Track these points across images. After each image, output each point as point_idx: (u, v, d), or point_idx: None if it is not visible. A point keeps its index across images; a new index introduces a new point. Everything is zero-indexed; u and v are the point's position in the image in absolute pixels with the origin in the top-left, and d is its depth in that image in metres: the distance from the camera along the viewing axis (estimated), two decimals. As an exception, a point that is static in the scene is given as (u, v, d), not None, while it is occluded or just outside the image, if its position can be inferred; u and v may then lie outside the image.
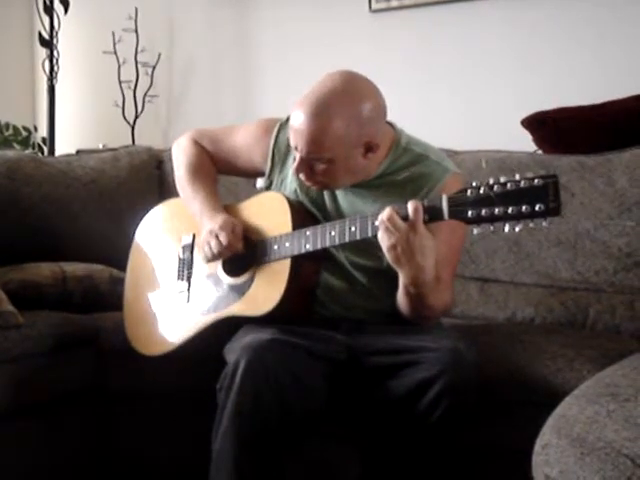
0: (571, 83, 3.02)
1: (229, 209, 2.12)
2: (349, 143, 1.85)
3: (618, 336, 2.29)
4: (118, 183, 2.99)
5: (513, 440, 1.89)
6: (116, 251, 2.52)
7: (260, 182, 2.33)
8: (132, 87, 4.22)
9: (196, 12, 4.16)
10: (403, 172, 1.96)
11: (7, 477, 2.20)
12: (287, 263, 1.93)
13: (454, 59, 3.35)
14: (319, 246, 1.88)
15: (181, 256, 2.19)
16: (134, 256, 2.36)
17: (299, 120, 1.85)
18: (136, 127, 4.23)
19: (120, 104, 4.23)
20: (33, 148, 4.38)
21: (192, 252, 2.17)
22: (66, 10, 4.22)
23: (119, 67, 4.21)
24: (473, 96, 3.29)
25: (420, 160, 1.97)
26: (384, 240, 1.72)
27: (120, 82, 4.22)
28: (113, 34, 4.17)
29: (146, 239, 2.35)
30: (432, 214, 1.69)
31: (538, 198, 1.54)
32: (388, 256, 1.73)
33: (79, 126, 4.59)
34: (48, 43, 4.23)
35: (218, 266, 2.07)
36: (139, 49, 4.17)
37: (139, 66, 4.19)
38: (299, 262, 1.93)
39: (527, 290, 2.48)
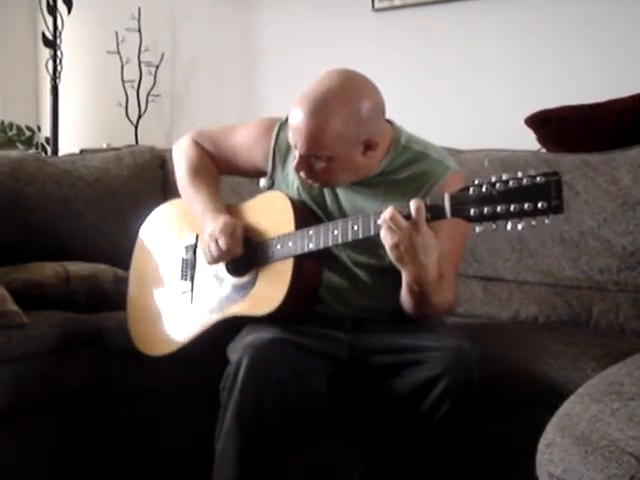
0: (575, 81, 3.02)
1: (232, 209, 2.12)
2: (348, 141, 1.85)
3: (622, 334, 2.29)
4: (121, 183, 2.99)
5: (517, 439, 1.89)
6: (120, 250, 2.52)
7: (263, 181, 2.33)
8: (135, 87, 4.23)
9: (199, 11, 4.17)
10: (404, 170, 1.96)
11: (10, 476, 2.21)
12: (290, 263, 1.93)
13: (457, 58, 3.34)
14: (322, 245, 1.88)
15: (184, 256, 2.19)
16: (137, 256, 2.36)
17: (298, 118, 1.85)
18: (139, 126, 4.23)
19: (123, 104, 4.24)
20: (36, 148, 4.39)
21: (195, 252, 2.17)
22: (69, 10, 4.22)
23: (122, 67, 4.22)
24: (476, 95, 3.29)
25: (421, 158, 1.96)
26: (387, 239, 1.71)
27: (123, 82, 4.22)
28: (116, 34, 4.17)
29: (149, 239, 2.35)
30: (434, 212, 1.69)
31: (540, 196, 1.54)
32: (391, 255, 1.73)
33: (82, 126, 4.60)
34: (51, 43, 4.24)
35: (221, 266, 2.07)
36: (142, 49, 4.18)
37: (142, 66, 4.20)
38: (302, 261, 1.93)
39: (531, 289, 2.48)
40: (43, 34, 4.26)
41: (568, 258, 2.42)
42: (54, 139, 4.24)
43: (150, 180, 3.06)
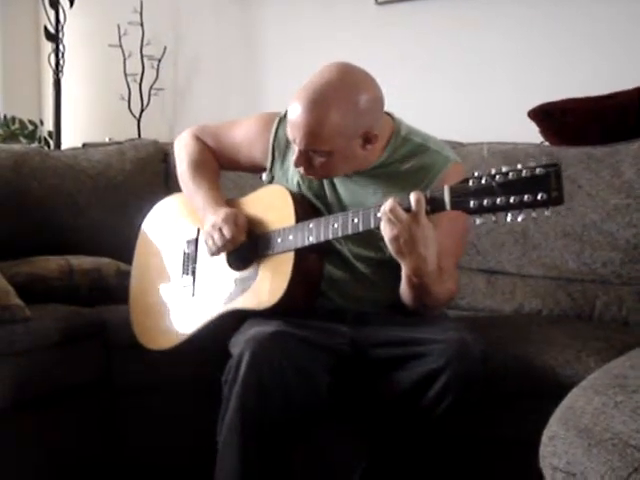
0: (578, 74, 3.01)
1: (232, 203, 2.12)
2: (347, 135, 1.84)
3: (625, 327, 2.29)
4: (124, 176, 2.99)
5: (520, 431, 1.89)
6: (123, 244, 2.52)
7: (265, 176, 2.33)
8: (138, 80, 4.22)
9: (201, 5, 4.16)
10: (404, 162, 1.96)
11: (13, 469, 2.21)
12: (291, 256, 1.93)
13: (460, 51, 3.33)
14: (322, 239, 1.88)
15: (186, 250, 2.19)
16: (140, 250, 2.36)
17: (296, 113, 1.85)
18: (142, 120, 4.23)
19: (126, 97, 4.23)
20: (39, 142, 4.38)
21: (197, 246, 2.17)
22: (71, 4, 4.22)
23: (125, 60, 4.22)
24: (479, 88, 3.28)
25: (421, 150, 1.97)
26: (386, 231, 1.71)
27: (126, 75, 4.22)
28: (118, 27, 4.17)
29: (152, 233, 2.35)
30: (434, 205, 1.69)
31: (540, 187, 1.53)
32: (390, 247, 1.73)
33: (85, 119, 4.60)
34: (54, 37, 4.23)
35: (223, 260, 2.07)
36: (145, 42, 4.17)
37: (145, 59, 4.19)
38: (303, 255, 1.93)
39: (534, 282, 2.48)
40: (45, 28, 4.26)
41: (571, 251, 2.41)
42: (57, 133, 4.24)
43: (153, 174, 3.06)
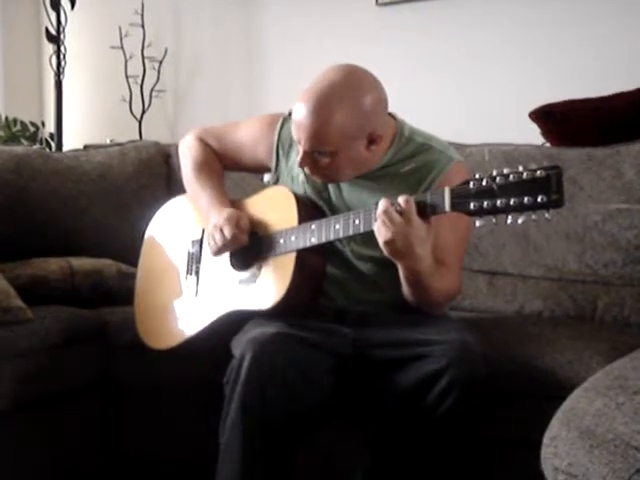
0: (578, 75, 3.02)
1: (236, 204, 2.12)
2: (351, 136, 1.85)
3: (627, 328, 2.29)
4: (126, 178, 2.99)
5: (522, 433, 1.89)
6: (124, 246, 2.52)
7: (267, 176, 2.33)
8: (139, 82, 4.23)
9: (202, 6, 4.17)
10: (407, 162, 1.96)
11: (15, 470, 2.21)
12: (292, 257, 1.93)
13: (461, 52, 3.34)
14: (324, 239, 1.88)
15: (190, 250, 2.20)
16: (145, 252, 2.36)
17: (301, 114, 1.86)
18: (143, 122, 4.24)
19: (127, 99, 4.24)
20: (41, 143, 4.39)
21: (201, 247, 2.17)
22: (73, 5, 4.22)
23: (126, 62, 4.22)
24: (480, 89, 3.29)
25: (424, 150, 1.97)
26: (381, 234, 1.72)
27: (127, 77, 4.23)
28: (120, 29, 4.17)
29: (157, 234, 2.36)
30: (434, 207, 1.69)
31: (540, 189, 1.53)
32: (385, 249, 1.74)
33: (86, 121, 4.60)
34: (55, 39, 4.24)
35: (226, 260, 2.08)
36: (146, 44, 4.18)
37: (146, 61, 4.20)
38: (304, 256, 1.93)
39: (535, 283, 2.48)
40: (47, 29, 4.26)
41: (573, 252, 2.41)
42: (58, 135, 4.24)
43: (154, 175, 3.06)
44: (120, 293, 2.53)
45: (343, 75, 1.86)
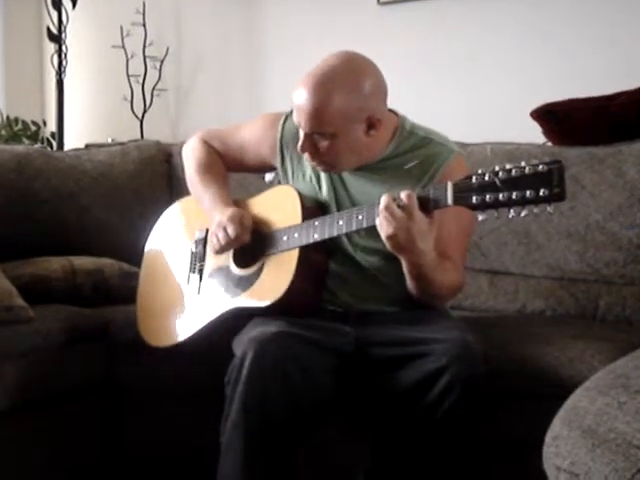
0: (580, 74, 3.01)
1: (241, 203, 2.14)
2: (350, 117, 1.87)
3: (629, 327, 2.29)
4: (127, 177, 2.99)
5: (523, 432, 1.89)
6: (125, 245, 2.52)
7: (269, 176, 2.33)
8: (140, 81, 4.22)
9: (204, 5, 4.17)
10: (409, 155, 1.98)
11: (16, 470, 2.21)
12: (295, 253, 1.93)
13: (462, 51, 3.33)
14: (327, 235, 1.89)
15: (194, 250, 2.20)
16: (149, 252, 2.37)
17: (301, 96, 1.88)
18: (145, 121, 4.23)
19: (128, 98, 4.24)
20: (42, 142, 4.39)
21: (205, 246, 2.18)
22: (74, 5, 4.22)
23: (127, 61, 4.22)
24: (482, 88, 3.28)
25: (425, 143, 2.00)
26: (383, 229, 1.74)
27: (128, 76, 4.22)
28: (121, 28, 4.17)
29: (162, 234, 2.36)
30: (437, 201, 1.70)
31: (542, 183, 1.54)
32: (388, 244, 1.75)
33: (88, 120, 4.60)
34: (57, 38, 4.24)
35: (229, 258, 2.08)
36: (147, 43, 4.17)
37: (147, 60, 4.20)
38: (307, 252, 1.93)
39: (537, 282, 2.48)
40: (48, 29, 4.26)
41: (574, 251, 2.41)
42: (59, 134, 4.24)
43: (155, 175, 3.07)
44: (121, 292, 2.53)
45: (342, 60, 1.90)
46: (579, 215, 2.40)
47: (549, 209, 1.56)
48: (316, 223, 1.91)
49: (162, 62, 4.20)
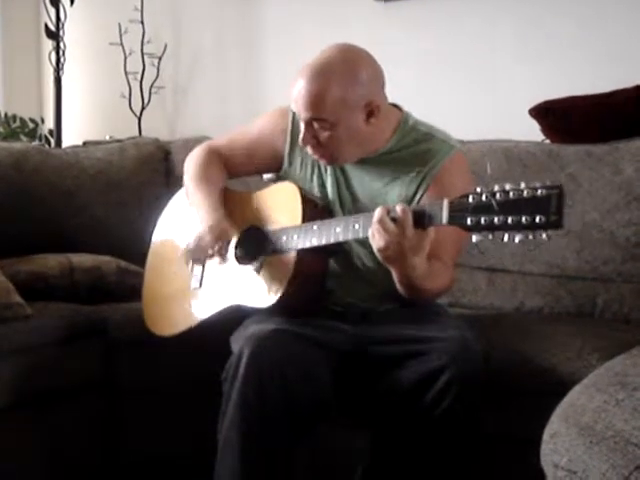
0: (578, 72, 3.01)
1: (244, 198, 2.12)
2: (349, 105, 1.87)
3: (627, 325, 2.29)
4: (125, 174, 2.99)
5: (521, 429, 1.89)
6: (123, 242, 2.52)
7: (267, 175, 2.33)
8: (138, 78, 4.22)
9: (201, 3, 4.16)
10: (410, 149, 1.99)
11: (14, 468, 2.21)
12: (293, 256, 1.93)
13: (462, 49, 3.33)
14: (324, 242, 1.88)
15: None
16: (156, 241, 2.36)
17: (299, 85, 1.89)
18: (143, 118, 4.23)
19: (126, 95, 4.23)
20: (40, 140, 4.39)
21: None
22: (72, 2, 4.22)
23: (125, 58, 4.21)
24: (481, 85, 3.28)
25: (427, 138, 2.00)
26: (375, 242, 1.71)
27: (126, 73, 4.22)
28: (119, 25, 4.17)
29: (168, 225, 2.35)
30: (431, 218, 1.67)
31: (539, 209, 1.49)
32: (378, 256, 1.74)
33: (86, 117, 4.60)
34: (54, 35, 4.24)
35: (231, 253, 2.08)
36: (145, 40, 4.17)
37: (145, 57, 4.19)
38: (305, 255, 1.93)
39: (535, 280, 2.48)
40: (46, 26, 4.26)
41: (572, 249, 2.41)
42: (57, 131, 4.24)
43: (153, 172, 3.06)
44: (119, 289, 2.53)
45: (339, 51, 1.92)
46: (576, 213, 2.40)
47: (544, 236, 1.50)
48: (315, 227, 1.90)
49: (160, 59, 4.19)
